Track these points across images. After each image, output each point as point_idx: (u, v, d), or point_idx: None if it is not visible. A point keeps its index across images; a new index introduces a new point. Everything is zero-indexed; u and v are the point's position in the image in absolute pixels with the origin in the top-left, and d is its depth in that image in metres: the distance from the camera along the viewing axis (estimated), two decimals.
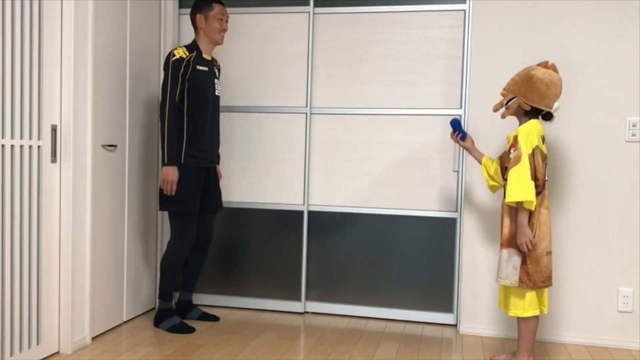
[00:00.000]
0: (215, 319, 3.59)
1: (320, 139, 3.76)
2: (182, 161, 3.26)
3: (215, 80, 3.41)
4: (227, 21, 3.40)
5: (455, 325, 3.62)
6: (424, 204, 3.63)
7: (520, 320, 2.82)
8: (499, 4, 3.38)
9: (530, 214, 2.73)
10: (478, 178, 3.43)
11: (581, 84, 3.31)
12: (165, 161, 3.21)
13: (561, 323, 3.37)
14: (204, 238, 3.50)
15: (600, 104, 3.29)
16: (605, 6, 3.26)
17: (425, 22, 3.58)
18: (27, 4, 2.68)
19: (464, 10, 3.51)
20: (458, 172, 3.56)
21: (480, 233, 3.44)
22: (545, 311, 2.85)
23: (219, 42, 3.40)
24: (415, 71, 3.61)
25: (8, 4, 2.57)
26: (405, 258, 3.68)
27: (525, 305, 2.77)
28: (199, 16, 3.33)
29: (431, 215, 3.62)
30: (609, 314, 3.32)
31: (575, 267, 3.34)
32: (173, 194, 3.23)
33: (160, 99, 3.25)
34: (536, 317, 2.81)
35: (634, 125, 3.25)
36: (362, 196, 3.71)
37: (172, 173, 3.22)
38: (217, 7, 3.34)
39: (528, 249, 2.71)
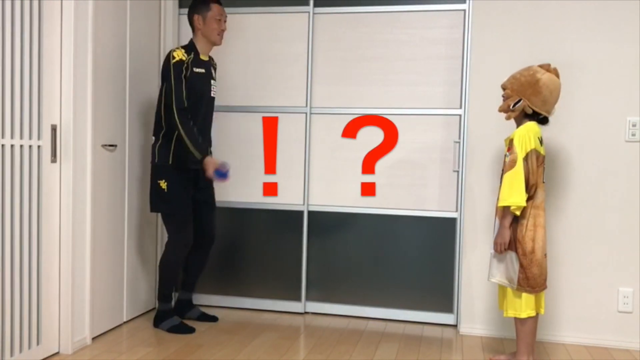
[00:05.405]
0: (214, 319, 3.58)
1: (320, 139, 3.76)
2: (170, 162, 3.25)
3: (212, 81, 3.38)
4: (225, 21, 3.35)
5: (455, 326, 3.62)
6: (424, 204, 3.63)
7: (517, 321, 2.83)
8: (499, 4, 3.38)
9: (530, 216, 2.74)
10: (478, 178, 3.43)
11: (581, 84, 3.31)
12: (199, 157, 3.17)
13: (561, 323, 3.37)
14: (205, 238, 3.49)
15: (600, 104, 3.29)
16: (605, 6, 3.26)
17: (425, 22, 3.58)
18: (27, 3, 2.67)
19: (464, 10, 3.51)
20: (458, 172, 3.56)
21: (480, 233, 3.44)
22: (542, 312, 2.86)
23: (217, 43, 3.36)
24: (415, 71, 3.61)
25: (8, 3, 2.57)
26: (405, 258, 3.68)
27: (522, 306, 2.77)
28: (196, 17, 3.29)
29: (431, 215, 3.62)
30: (609, 314, 3.32)
31: (575, 267, 3.34)
32: (228, 169, 3.19)
33: (171, 104, 3.17)
34: (533, 318, 2.82)
35: (633, 125, 3.25)
36: (362, 196, 3.71)
37: (211, 162, 3.17)
38: (215, 8, 3.29)
39: (501, 251, 2.78)
